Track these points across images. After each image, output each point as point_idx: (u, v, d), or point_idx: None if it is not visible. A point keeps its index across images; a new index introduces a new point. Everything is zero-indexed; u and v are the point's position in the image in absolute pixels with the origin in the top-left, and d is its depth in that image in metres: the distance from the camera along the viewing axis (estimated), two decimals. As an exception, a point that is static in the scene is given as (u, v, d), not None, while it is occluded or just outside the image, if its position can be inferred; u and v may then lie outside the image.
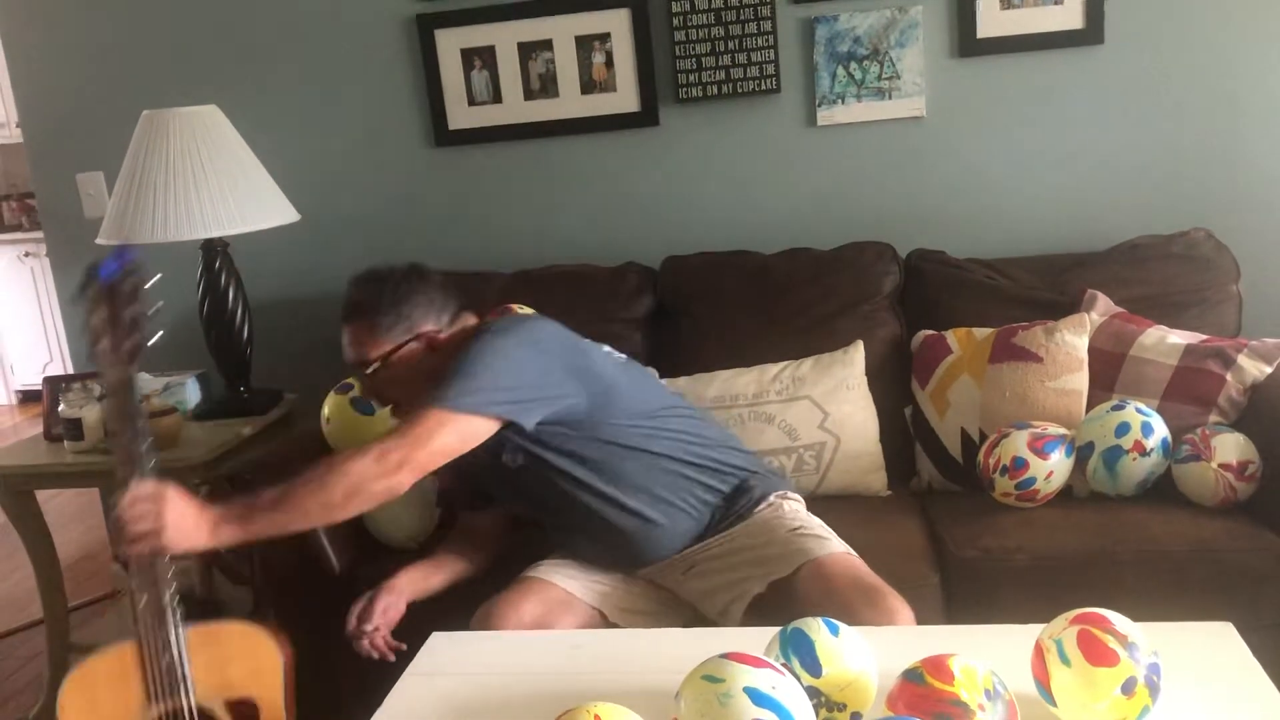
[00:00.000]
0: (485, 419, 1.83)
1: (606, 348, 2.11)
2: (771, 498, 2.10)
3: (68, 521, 4.09)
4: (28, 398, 6.07)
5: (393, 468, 1.76)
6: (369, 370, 1.96)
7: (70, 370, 3.51)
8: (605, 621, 2.01)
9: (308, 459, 2.42)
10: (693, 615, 2.04)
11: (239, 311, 2.87)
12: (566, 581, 2.03)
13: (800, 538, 1.98)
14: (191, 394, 2.93)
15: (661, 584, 2.08)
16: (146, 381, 2.90)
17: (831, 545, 1.96)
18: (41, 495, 2.79)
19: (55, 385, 2.83)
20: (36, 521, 2.77)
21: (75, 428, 2.67)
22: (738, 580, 1.97)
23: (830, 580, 1.86)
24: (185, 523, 1.65)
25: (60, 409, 2.73)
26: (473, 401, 1.81)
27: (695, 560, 2.04)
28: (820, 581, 1.86)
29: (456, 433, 1.80)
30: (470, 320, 2.04)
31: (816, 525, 2.06)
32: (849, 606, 1.74)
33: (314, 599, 2.35)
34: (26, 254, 5.87)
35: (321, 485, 1.75)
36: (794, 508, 2.12)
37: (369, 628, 1.99)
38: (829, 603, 1.73)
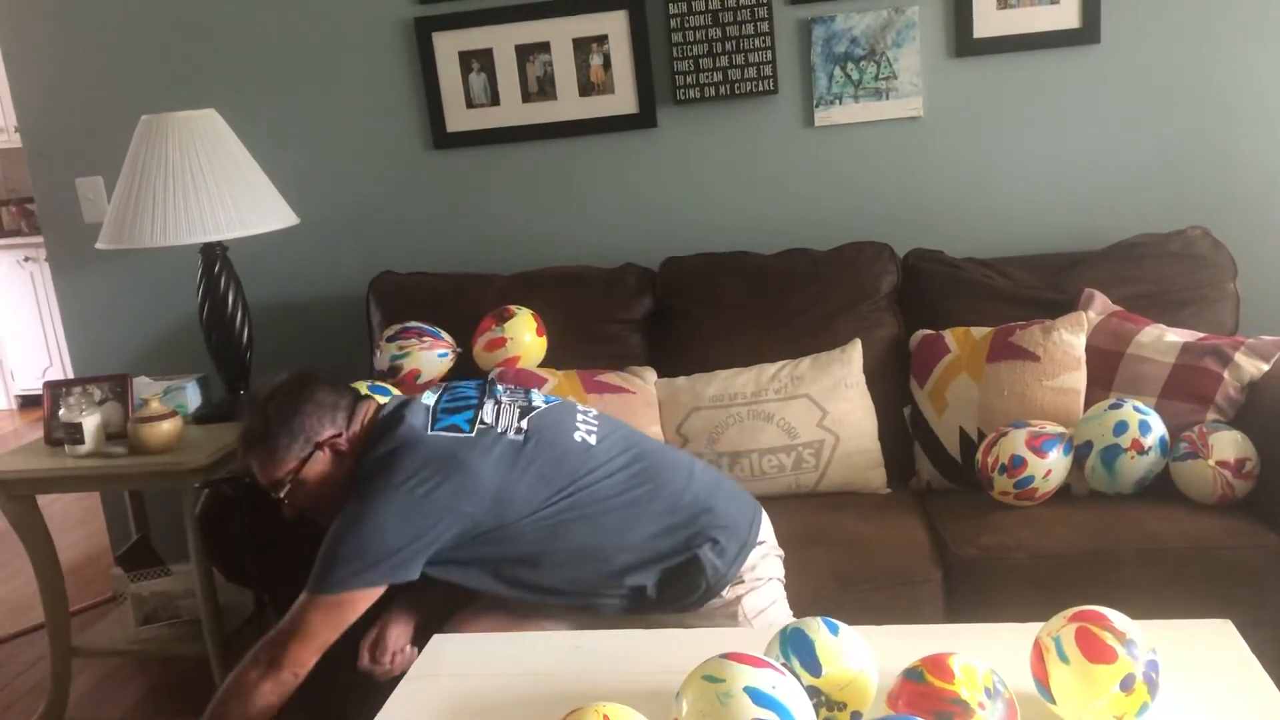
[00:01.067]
0: (364, 591, 1.78)
1: (501, 426, 1.92)
2: (726, 592, 1.93)
3: (69, 525, 4.09)
4: (28, 402, 6.07)
5: (277, 668, 1.75)
6: (282, 492, 1.91)
7: (70, 375, 3.51)
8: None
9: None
10: None
11: (238, 315, 2.87)
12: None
13: None
14: (192, 397, 2.93)
15: None
16: (146, 385, 2.91)
17: None
18: (42, 499, 2.79)
19: (56, 390, 2.84)
20: (38, 526, 2.77)
21: (76, 432, 2.67)
22: None
23: None
24: None
25: (60, 414, 2.73)
26: (343, 578, 1.76)
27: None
28: None
29: (337, 612, 1.77)
30: (370, 408, 1.97)
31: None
32: None
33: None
34: (26, 259, 5.87)
35: (226, 713, 1.75)
36: (755, 605, 1.95)
37: (386, 659, 1.95)
38: None
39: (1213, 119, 2.77)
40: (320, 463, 1.91)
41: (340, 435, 1.92)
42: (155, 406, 2.68)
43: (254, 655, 1.77)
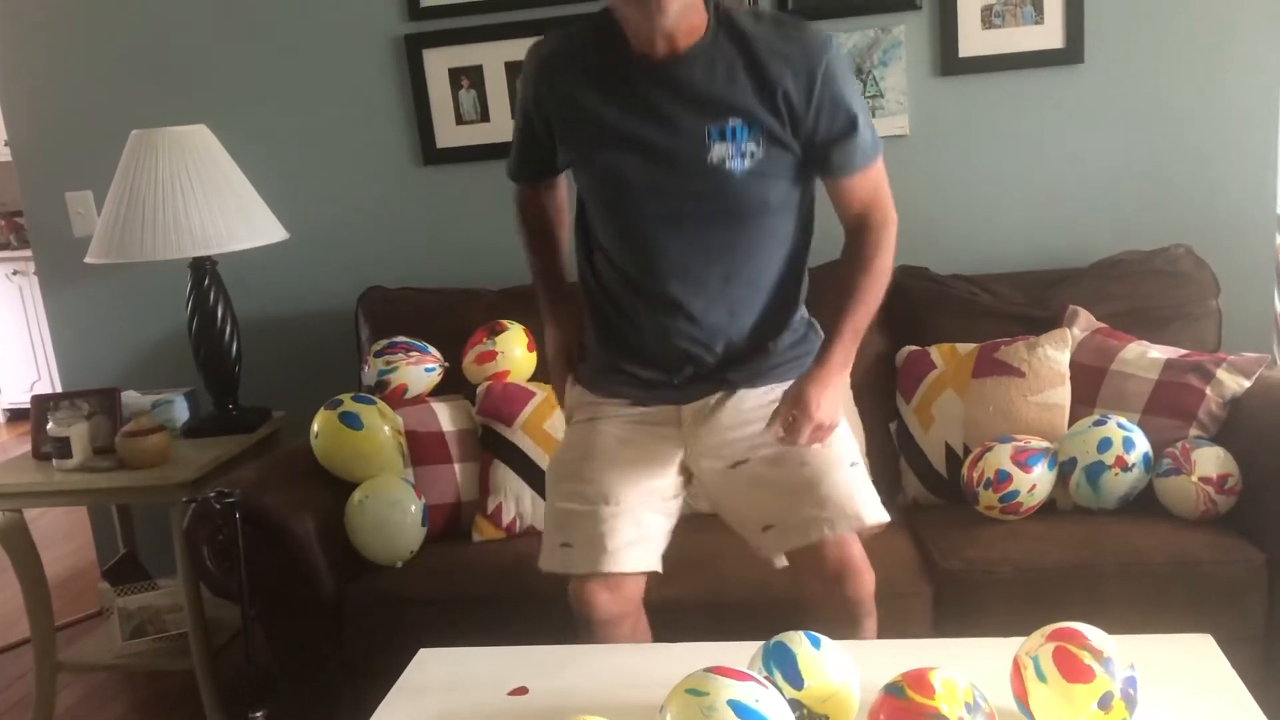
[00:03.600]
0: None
1: None
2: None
3: (56, 539, 4.08)
4: (15, 416, 6.06)
5: (894, 218, 1.88)
6: None
7: (58, 388, 3.51)
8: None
9: (295, 476, 2.47)
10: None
11: (227, 329, 2.88)
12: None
13: (848, 488, 1.87)
14: (180, 412, 2.94)
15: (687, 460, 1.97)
16: (135, 399, 2.91)
17: (865, 513, 1.87)
18: (29, 513, 2.79)
19: (43, 404, 2.84)
20: (24, 540, 2.77)
21: (64, 446, 2.67)
22: (780, 511, 1.87)
23: (837, 578, 1.85)
24: (835, 397, 1.82)
25: (49, 427, 2.73)
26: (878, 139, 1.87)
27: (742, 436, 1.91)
28: (830, 567, 1.84)
29: None
30: None
31: (856, 452, 1.97)
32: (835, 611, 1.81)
33: (303, 618, 2.36)
34: (15, 272, 5.87)
35: (880, 273, 1.85)
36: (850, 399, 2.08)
37: None
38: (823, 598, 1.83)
39: (1194, 138, 2.80)
40: None
41: None
42: (143, 421, 2.68)
43: (872, 229, 1.84)
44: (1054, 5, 2.76)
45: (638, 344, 1.93)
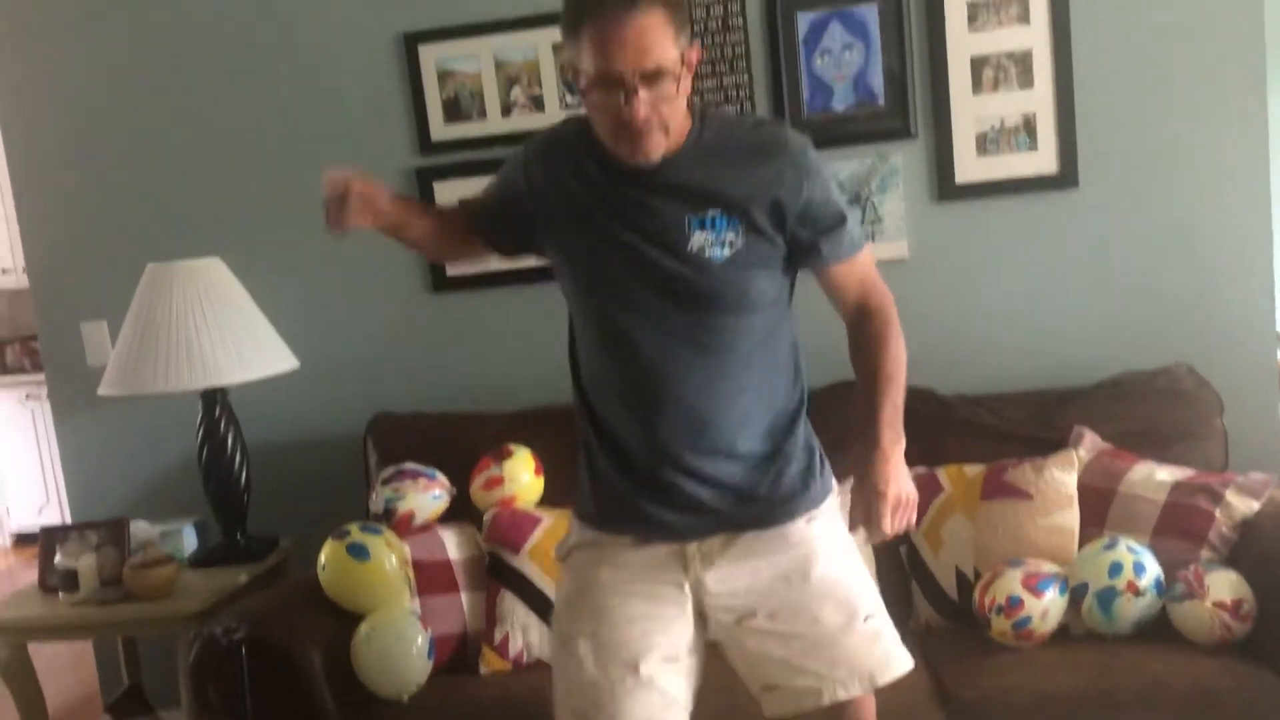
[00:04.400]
0: None
1: None
2: (827, 502, 1.91)
3: (59, 670, 4.02)
4: (23, 540, 6.04)
5: (891, 298, 1.89)
6: (667, 79, 1.63)
7: (67, 513, 3.52)
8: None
9: (302, 608, 2.46)
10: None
11: (237, 458, 2.90)
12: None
13: (863, 646, 1.82)
14: (189, 541, 2.94)
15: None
16: (143, 529, 2.91)
17: (879, 671, 1.83)
18: (33, 643, 2.77)
19: (52, 536, 2.84)
20: (27, 673, 2.74)
21: (71, 579, 2.67)
22: (786, 672, 1.82)
23: None
24: (900, 470, 1.81)
25: (56, 560, 2.73)
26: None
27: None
28: None
29: None
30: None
31: (877, 606, 1.89)
32: None
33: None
34: (28, 396, 5.91)
35: (898, 350, 1.86)
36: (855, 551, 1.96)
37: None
38: None
39: (1191, 257, 2.85)
40: (688, 69, 1.68)
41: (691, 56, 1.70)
42: (152, 552, 2.68)
43: (877, 310, 1.86)
44: (1047, 132, 2.84)
45: (628, 464, 1.84)
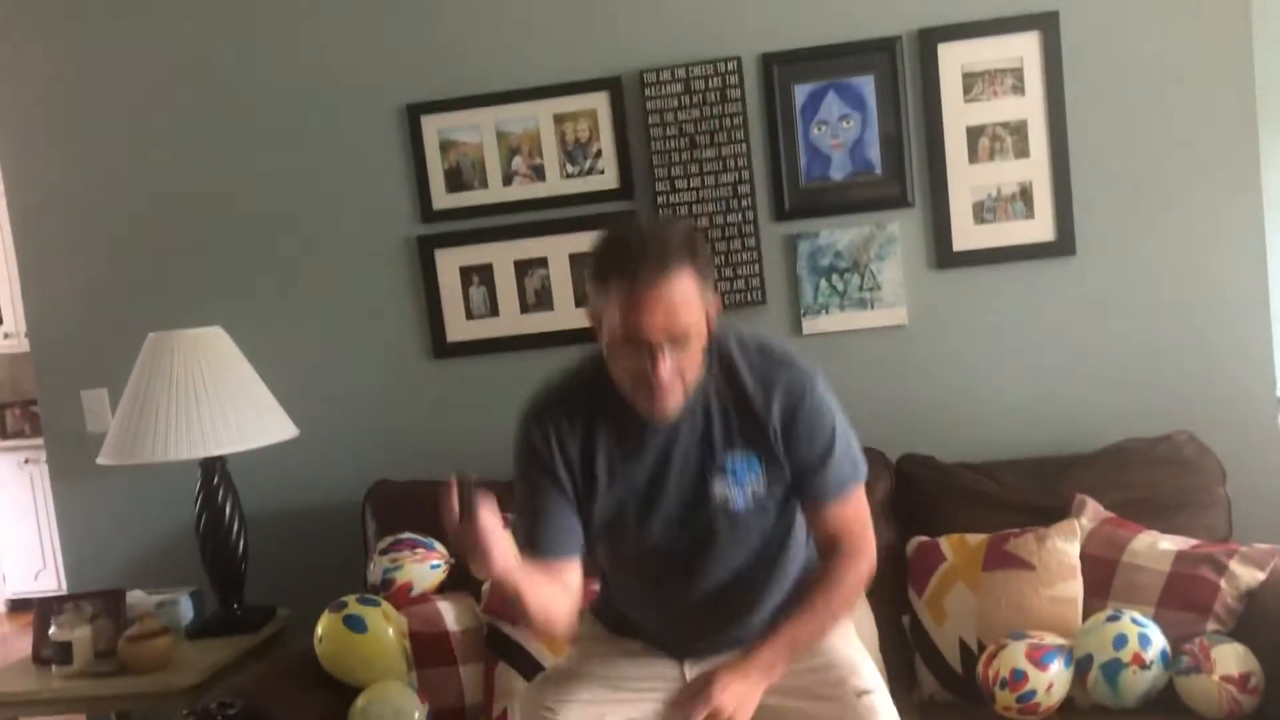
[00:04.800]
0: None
1: None
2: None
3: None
4: (18, 606, 5.99)
5: (868, 558, 1.82)
6: (693, 338, 1.63)
7: (63, 578, 3.49)
8: None
9: (298, 682, 2.43)
10: None
11: (234, 527, 2.88)
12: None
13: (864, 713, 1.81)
14: (185, 611, 2.91)
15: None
16: (140, 598, 2.89)
17: None
18: (24, 719, 2.74)
19: (47, 607, 2.82)
20: (18, 747, 2.71)
21: (65, 652, 2.64)
22: None
23: None
24: (748, 693, 1.72)
25: (51, 632, 2.70)
26: (863, 460, 1.86)
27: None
28: None
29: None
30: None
31: (876, 683, 1.87)
32: None
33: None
34: (27, 460, 5.91)
35: (834, 603, 1.78)
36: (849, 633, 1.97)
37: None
38: None
39: (1189, 324, 2.85)
40: (708, 324, 1.68)
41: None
42: (148, 623, 2.65)
43: (838, 557, 1.79)
44: (1044, 200, 2.86)
45: (650, 633, 1.93)
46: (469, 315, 3.09)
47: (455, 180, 3.05)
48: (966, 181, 2.88)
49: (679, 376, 1.63)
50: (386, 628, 2.47)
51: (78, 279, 3.23)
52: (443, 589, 2.69)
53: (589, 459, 1.77)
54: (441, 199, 3.06)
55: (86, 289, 3.23)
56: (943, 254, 2.90)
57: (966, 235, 2.89)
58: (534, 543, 1.77)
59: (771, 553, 1.85)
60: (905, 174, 2.88)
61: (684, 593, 1.84)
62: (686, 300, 1.59)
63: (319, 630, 2.47)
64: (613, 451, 1.76)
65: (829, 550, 1.82)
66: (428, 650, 2.53)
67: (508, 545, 1.60)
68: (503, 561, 1.57)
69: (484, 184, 3.04)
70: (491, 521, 1.55)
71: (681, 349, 1.61)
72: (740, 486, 1.76)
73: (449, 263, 3.07)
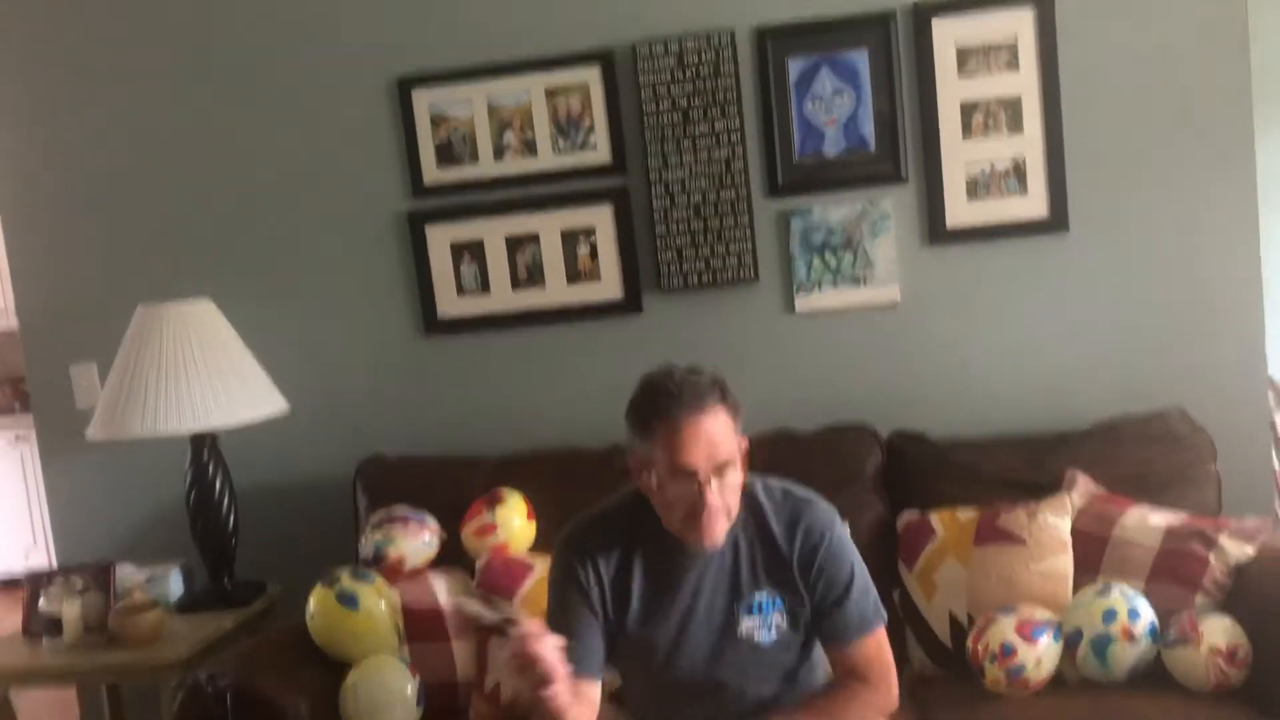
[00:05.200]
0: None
1: None
2: None
3: (42, 717, 3.97)
4: (8, 585, 5.97)
5: (893, 702, 1.89)
6: (734, 471, 1.80)
7: (53, 555, 3.48)
8: None
9: (289, 656, 2.43)
10: None
11: (225, 502, 2.88)
12: None
13: None
14: (175, 586, 2.91)
15: None
16: (130, 573, 2.88)
17: None
18: (15, 690, 2.73)
19: (37, 581, 2.81)
20: (9, 720, 2.71)
21: (54, 625, 2.64)
22: None
23: None
24: None
25: (40, 605, 2.70)
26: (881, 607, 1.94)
27: None
28: None
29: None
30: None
31: None
32: None
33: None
34: (17, 438, 5.87)
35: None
36: None
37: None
38: None
39: (1182, 301, 2.86)
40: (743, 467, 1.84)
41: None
42: (138, 597, 2.65)
43: (858, 682, 1.85)
44: (1037, 176, 2.86)
45: None
46: (460, 291, 3.08)
47: (446, 155, 3.03)
48: (960, 158, 2.87)
49: (724, 504, 1.78)
50: (379, 602, 2.46)
51: (66, 253, 3.21)
52: (435, 564, 2.69)
53: (624, 590, 1.88)
54: (432, 174, 3.04)
55: (74, 263, 3.21)
56: (935, 230, 2.90)
57: (959, 212, 2.88)
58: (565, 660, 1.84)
59: (794, 686, 1.94)
60: (899, 150, 2.87)
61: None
62: (724, 434, 1.77)
63: (311, 605, 2.46)
64: (647, 585, 1.88)
65: (853, 676, 1.88)
66: (420, 625, 2.53)
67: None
68: (562, 682, 1.66)
69: (475, 159, 3.02)
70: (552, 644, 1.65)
71: (725, 478, 1.77)
72: (765, 623, 1.88)
73: (440, 238, 3.05)
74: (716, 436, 1.75)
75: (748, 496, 1.88)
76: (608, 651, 1.89)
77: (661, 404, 1.76)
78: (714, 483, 1.75)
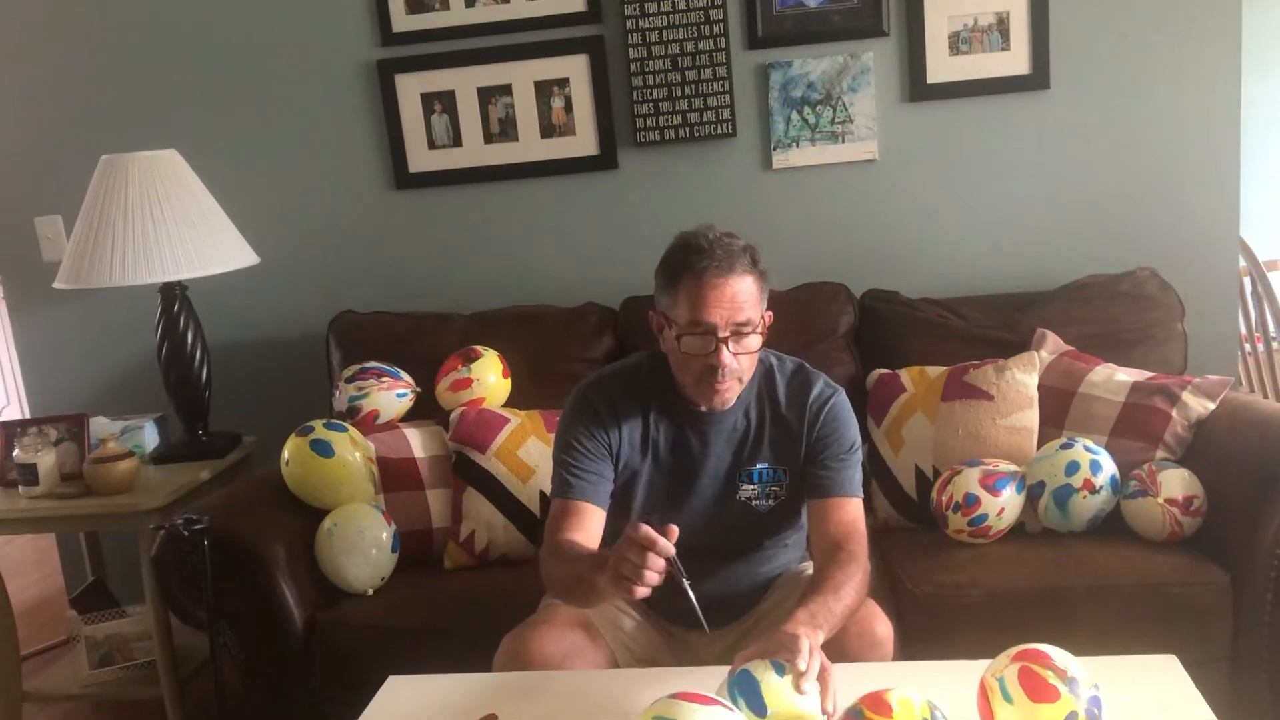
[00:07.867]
0: None
1: None
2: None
3: (24, 567, 4.03)
4: (-16, 441, 5.98)
5: (868, 570, 1.85)
6: (755, 332, 1.80)
7: (27, 413, 3.48)
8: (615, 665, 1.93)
9: (265, 503, 2.46)
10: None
11: (197, 354, 2.86)
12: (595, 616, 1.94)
13: None
14: (150, 437, 2.92)
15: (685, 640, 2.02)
16: (104, 425, 2.89)
17: None
18: (-5, 541, 2.77)
19: (10, 430, 2.81)
20: (-10, 568, 2.74)
21: (30, 473, 2.65)
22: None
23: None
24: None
25: (15, 454, 2.70)
26: None
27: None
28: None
29: None
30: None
31: None
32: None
33: (272, 645, 2.34)
34: (-16, 295, 5.81)
35: (845, 602, 1.73)
36: None
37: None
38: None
39: (1158, 162, 2.84)
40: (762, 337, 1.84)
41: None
42: (112, 447, 2.66)
43: (850, 564, 1.78)
44: (1020, 32, 2.81)
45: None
46: (431, 145, 3.02)
47: (416, 1, 2.93)
48: (943, 11, 2.81)
49: (738, 368, 1.80)
50: (353, 452, 2.48)
51: (26, 104, 3.12)
52: (408, 418, 2.70)
53: (635, 440, 1.91)
54: (401, 20, 2.94)
55: (35, 114, 3.12)
56: (916, 86, 2.85)
57: (941, 67, 2.83)
58: (571, 486, 1.89)
59: (783, 547, 2.01)
60: (881, 1, 2.80)
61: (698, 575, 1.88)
62: (748, 298, 1.78)
63: (285, 453, 2.48)
64: (659, 439, 1.91)
65: (838, 555, 1.82)
66: (395, 475, 2.56)
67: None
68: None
69: (446, 4, 2.93)
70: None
71: (742, 341, 1.78)
72: (764, 491, 1.92)
73: (410, 88, 2.98)
74: (740, 299, 1.76)
75: (763, 368, 1.92)
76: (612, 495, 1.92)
77: (692, 259, 1.77)
78: (730, 344, 1.77)
